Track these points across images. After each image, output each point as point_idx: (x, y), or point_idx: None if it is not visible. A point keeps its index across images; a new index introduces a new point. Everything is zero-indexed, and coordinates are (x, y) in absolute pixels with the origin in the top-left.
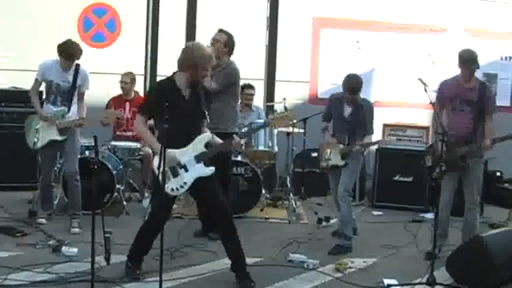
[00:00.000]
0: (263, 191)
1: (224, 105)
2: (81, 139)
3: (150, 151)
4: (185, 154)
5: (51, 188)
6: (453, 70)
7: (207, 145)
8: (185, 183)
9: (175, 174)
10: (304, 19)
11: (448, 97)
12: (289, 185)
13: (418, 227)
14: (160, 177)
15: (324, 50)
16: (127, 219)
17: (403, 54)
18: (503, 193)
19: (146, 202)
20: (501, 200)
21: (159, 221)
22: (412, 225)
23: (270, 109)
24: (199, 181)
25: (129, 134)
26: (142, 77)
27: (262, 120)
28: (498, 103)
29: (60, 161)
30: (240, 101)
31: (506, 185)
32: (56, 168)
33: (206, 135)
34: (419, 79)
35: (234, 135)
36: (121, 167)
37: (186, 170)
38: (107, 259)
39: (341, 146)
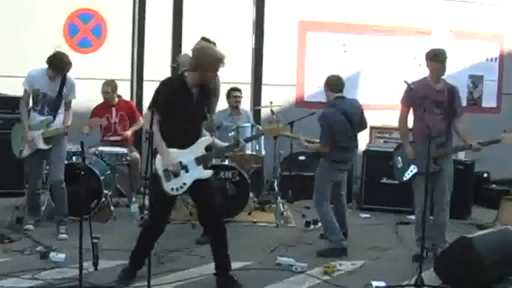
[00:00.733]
0: (251, 195)
1: None
2: (68, 145)
3: (138, 156)
4: (186, 155)
5: (38, 195)
6: None
7: (207, 148)
8: (185, 183)
9: (176, 175)
10: (290, 22)
11: (418, 97)
12: (276, 189)
13: (405, 229)
14: (163, 176)
15: (310, 53)
16: (115, 225)
17: (389, 57)
18: (491, 194)
19: (134, 207)
20: (488, 201)
21: (160, 223)
22: (400, 227)
23: (257, 113)
24: (196, 183)
25: (117, 138)
26: (129, 82)
27: (249, 124)
28: (484, 104)
29: (47, 167)
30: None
31: (494, 186)
32: (43, 175)
33: (207, 139)
34: (405, 81)
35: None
36: (108, 172)
37: (187, 171)
38: (95, 264)
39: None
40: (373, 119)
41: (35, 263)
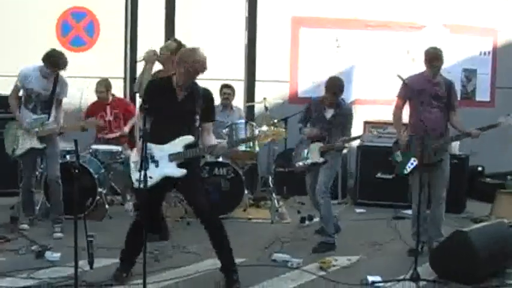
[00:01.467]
0: (245, 192)
1: None
2: (62, 143)
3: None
4: (160, 150)
5: (32, 193)
6: None
7: (187, 147)
8: (150, 177)
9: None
10: (283, 18)
11: (415, 91)
12: (271, 185)
13: (400, 224)
14: (133, 166)
15: (303, 49)
16: (110, 223)
17: (383, 52)
18: (485, 188)
19: (129, 205)
20: (483, 195)
21: (147, 220)
22: (395, 221)
23: (250, 110)
24: (182, 181)
25: (112, 136)
26: (122, 80)
27: (243, 121)
28: (478, 98)
29: (42, 166)
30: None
31: (488, 179)
32: (37, 173)
33: (188, 138)
34: (399, 76)
35: (219, 140)
36: (103, 170)
37: (157, 166)
38: (90, 263)
39: (321, 144)
40: (366, 113)
41: (30, 262)
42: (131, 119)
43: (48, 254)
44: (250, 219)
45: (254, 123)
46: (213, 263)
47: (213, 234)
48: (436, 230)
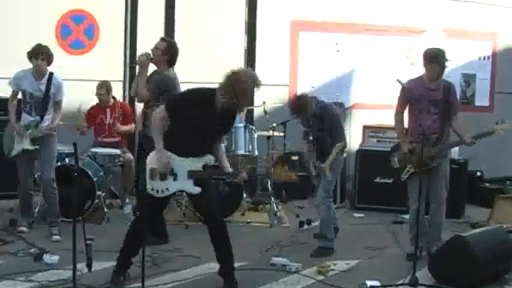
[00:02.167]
0: (244, 195)
1: None
2: (61, 146)
3: (131, 157)
4: (181, 164)
5: (30, 195)
6: None
7: (204, 166)
8: (167, 189)
9: (163, 178)
10: (283, 22)
11: (414, 97)
12: (270, 189)
13: (399, 228)
14: (148, 172)
15: (302, 53)
16: (108, 226)
17: (382, 56)
18: (484, 193)
19: (128, 208)
20: (482, 200)
21: (148, 221)
22: (394, 226)
23: (249, 113)
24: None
25: (112, 140)
26: (122, 83)
27: (242, 125)
28: (477, 103)
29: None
30: None
31: (487, 184)
32: (35, 175)
33: (209, 157)
34: (398, 80)
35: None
36: (101, 173)
37: (175, 179)
38: (89, 266)
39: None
40: (366, 118)
41: (28, 265)
42: (131, 124)
43: (46, 257)
44: (249, 223)
45: (253, 127)
46: (211, 266)
47: (218, 236)
48: (436, 234)
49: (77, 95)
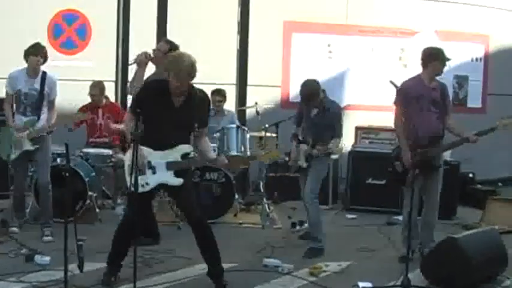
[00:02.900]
0: (236, 196)
1: None
2: (53, 146)
3: (123, 157)
4: (158, 157)
5: (23, 197)
6: None
7: (184, 156)
8: (147, 183)
9: (141, 172)
10: (275, 23)
11: (414, 97)
12: (262, 190)
13: (392, 230)
14: (126, 169)
15: (295, 54)
16: (100, 227)
17: (375, 58)
18: (476, 194)
19: (119, 209)
20: (474, 201)
21: (132, 221)
22: (386, 228)
23: (242, 114)
24: (173, 187)
25: (104, 140)
26: (114, 84)
27: (235, 125)
28: (469, 105)
29: (32, 169)
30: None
31: (479, 186)
32: (28, 177)
33: (187, 147)
34: (391, 82)
35: (221, 154)
36: (93, 174)
37: (154, 172)
38: (80, 267)
39: (305, 147)
40: (358, 119)
41: (20, 265)
42: (121, 123)
43: (38, 258)
44: (241, 224)
45: (246, 128)
46: (203, 267)
47: (202, 236)
48: (429, 236)
49: (69, 94)
